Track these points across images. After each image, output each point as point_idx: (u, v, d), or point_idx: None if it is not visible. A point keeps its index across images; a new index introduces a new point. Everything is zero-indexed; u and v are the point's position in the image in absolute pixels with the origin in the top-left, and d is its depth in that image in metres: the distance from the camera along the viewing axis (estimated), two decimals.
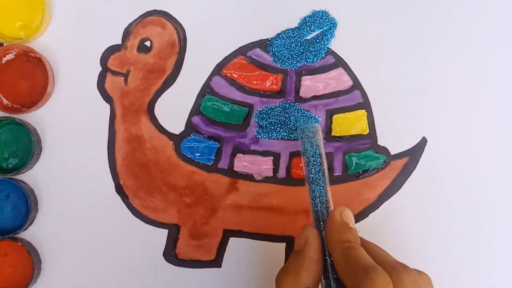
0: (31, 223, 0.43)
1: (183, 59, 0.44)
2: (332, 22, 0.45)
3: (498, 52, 0.45)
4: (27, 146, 0.42)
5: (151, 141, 0.44)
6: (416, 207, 0.44)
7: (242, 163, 0.44)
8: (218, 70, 0.44)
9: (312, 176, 0.39)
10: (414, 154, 0.44)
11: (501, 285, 0.44)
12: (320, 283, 0.34)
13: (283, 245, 0.44)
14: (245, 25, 0.45)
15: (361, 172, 0.44)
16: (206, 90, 0.44)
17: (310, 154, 0.39)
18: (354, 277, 0.32)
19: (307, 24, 0.44)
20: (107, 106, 0.44)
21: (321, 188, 0.38)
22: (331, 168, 0.44)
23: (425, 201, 0.44)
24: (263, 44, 0.44)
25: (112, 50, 0.44)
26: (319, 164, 0.39)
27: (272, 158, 0.44)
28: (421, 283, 0.32)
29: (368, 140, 0.44)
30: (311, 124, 0.42)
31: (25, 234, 0.43)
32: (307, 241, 0.35)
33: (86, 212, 0.43)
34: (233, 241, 0.44)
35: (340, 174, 0.44)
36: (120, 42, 0.44)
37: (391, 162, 0.44)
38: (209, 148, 0.44)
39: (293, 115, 0.44)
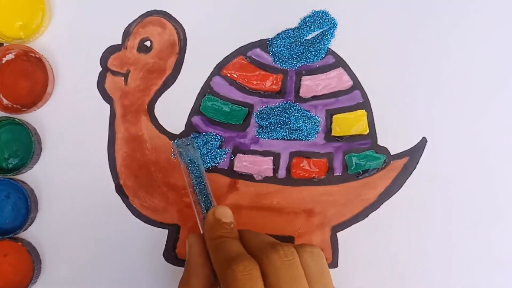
0: (31, 223, 0.43)
1: (183, 59, 0.44)
2: (332, 22, 0.45)
3: (498, 52, 0.45)
4: (27, 146, 0.42)
5: (151, 141, 0.44)
6: (416, 207, 0.44)
7: (242, 163, 0.44)
8: (218, 70, 0.44)
9: (194, 183, 0.40)
10: (414, 154, 0.44)
11: (501, 285, 0.44)
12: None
13: None
14: (245, 25, 0.45)
15: (361, 172, 0.44)
16: (206, 90, 0.44)
17: (188, 165, 0.40)
18: (220, 272, 0.33)
19: (307, 24, 0.45)
20: (107, 106, 0.44)
21: (204, 195, 0.39)
22: (331, 168, 0.44)
23: (425, 201, 0.44)
24: (263, 44, 0.44)
25: (112, 50, 0.44)
26: (198, 172, 0.40)
27: (272, 158, 0.44)
28: (294, 257, 0.32)
29: (368, 140, 0.44)
30: (183, 139, 0.43)
31: (25, 234, 0.43)
32: (190, 248, 0.36)
33: (86, 212, 0.43)
34: None
35: (340, 174, 0.44)
36: (120, 42, 0.44)
37: (391, 162, 0.44)
38: None
39: (293, 115, 0.44)
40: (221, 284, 0.32)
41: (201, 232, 0.38)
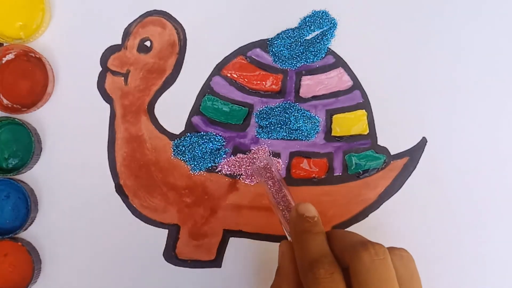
0: (31, 223, 0.43)
1: (183, 59, 0.44)
2: (332, 22, 0.45)
3: (498, 53, 0.45)
4: (27, 146, 0.42)
5: (151, 141, 0.44)
6: (416, 207, 0.44)
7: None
8: (218, 70, 0.44)
9: (277, 200, 0.39)
10: (414, 154, 0.44)
11: (501, 285, 0.44)
12: None
13: None
14: (245, 25, 0.45)
15: (361, 172, 0.44)
16: (206, 90, 0.44)
17: (271, 186, 0.40)
18: (302, 272, 0.32)
19: (307, 24, 0.45)
20: (107, 106, 0.44)
21: (285, 200, 0.39)
22: (331, 168, 0.44)
23: (425, 201, 0.44)
24: (263, 44, 0.44)
25: (112, 50, 0.44)
26: (281, 190, 0.39)
27: None
28: (385, 256, 0.31)
29: (368, 140, 0.44)
30: (261, 161, 0.42)
31: (25, 234, 0.43)
32: (282, 254, 0.35)
33: (86, 212, 0.43)
34: (233, 241, 0.44)
35: (340, 174, 0.44)
36: (120, 42, 0.44)
37: (391, 162, 0.44)
38: None
39: (293, 115, 0.44)
40: (303, 284, 0.32)
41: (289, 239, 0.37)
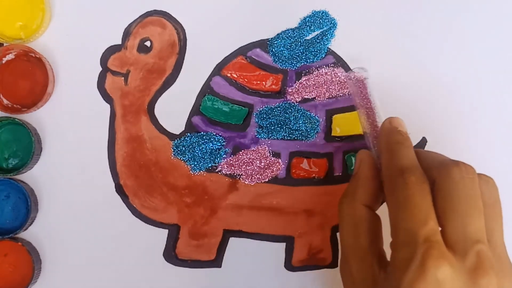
0: (31, 223, 0.43)
1: (183, 59, 0.44)
2: (332, 22, 0.45)
3: (498, 52, 0.45)
4: (27, 146, 0.42)
5: (151, 141, 0.44)
6: None
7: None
8: (218, 70, 0.44)
9: (363, 113, 0.39)
10: None
11: None
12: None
13: (283, 245, 0.44)
14: (245, 25, 0.45)
15: None
16: (206, 90, 0.44)
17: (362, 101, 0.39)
18: (389, 179, 0.32)
19: (307, 24, 0.45)
20: (107, 106, 0.44)
21: (373, 119, 0.38)
22: (331, 168, 0.44)
23: None
24: (263, 44, 0.44)
25: (112, 50, 0.44)
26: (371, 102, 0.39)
27: None
28: (474, 176, 0.31)
29: None
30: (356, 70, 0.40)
31: (25, 234, 0.43)
32: (360, 162, 0.36)
33: (86, 212, 0.43)
34: (233, 241, 0.44)
35: (340, 174, 0.44)
36: (120, 42, 0.44)
37: None
38: None
39: (293, 115, 0.44)
40: (387, 192, 0.32)
41: (372, 150, 0.37)
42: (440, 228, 0.30)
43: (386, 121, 0.36)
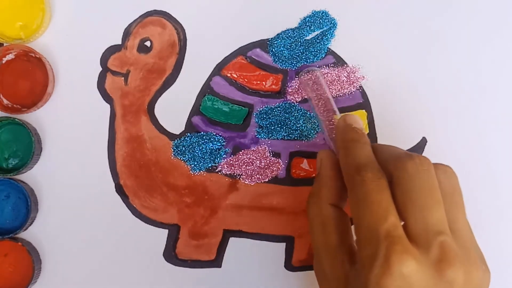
0: (31, 223, 0.43)
1: (183, 59, 0.44)
2: (332, 22, 0.45)
3: (498, 52, 0.45)
4: (27, 146, 0.42)
5: (151, 141, 0.44)
6: None
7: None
8: (218, 70, 0.44)
9: (319, 112, 0.39)
10: None
11: (501, 285, 0.44)
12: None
13: (283, 245, 0.44)
14: (245, 25, 0.45)
15: None
16: (206, 90, 0.44)
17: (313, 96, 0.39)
18: (348, 177, 0.33)
19: (307, 24, 0.45)
20: (107, 106, 0.44)
21: (329, 109, 0.39)
22: None
23: None
24: (263, 44, 0.44)
25: (112, 50, 0.44)
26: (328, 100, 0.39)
27: None
28: (429, 168, 0.31)
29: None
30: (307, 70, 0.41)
31: (25, 234, 0.43)
32: (321, 162, 0.36)
33: (86, 212, 0.43)
34: (233, 241, 0.44)
35: None
36: (120, 42, 0.44)
37: None
38: None
39: (293, 115, 0.44)
40: (348, 190, 0.32)
41: (331, 148, 0.38)
42: (402, 222, 0.31)
43: (340, 119, 0.37)
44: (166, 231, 0.44)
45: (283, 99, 0.44)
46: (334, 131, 0.38)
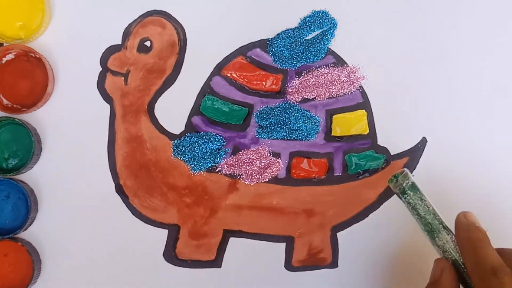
0: (31, 223, 0.43)
1: (183, 59, 0.44)
2: (332, 22, 0.45)
3: (498, 52, 0.45)
4: (27, 146, 0.42)
5: (151, 141, 0.44)
6: None
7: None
8: (218, 70, 0.44)
9: (427, 221, 0.37)
10: (414, 154, 0.44)
11: None
12: None
13: (283, 245, 0.44)
14: (245, 25, 0.45)
15: (361, 172, 0.44)
16: (206, 90, 0.44)
17: (417, 206, 0.38)
18: (481, 276, 0.32)
19: (307, 24, 0.45)
20: (107, 106, 0.44)
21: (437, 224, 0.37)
22: (331, 168, 0.44)
23: None
24: (263, 44, 0.44)
25: (112, 50, 0.44)
26: (427, 207, 0.38)
27: None
28: None
29: (368, 140, 0.44)
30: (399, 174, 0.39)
31: (25, 234, 0.43)
32: (442, 271, 0.35)
33: (86, 212, 0.43)
34: (233, 241, 0.44)
35: (340, 174, 0.44)
36: (120, 42, 0.44)
37: (391, 162, 0.44)
38: None
39: (293, 115, 0.44)
40: None
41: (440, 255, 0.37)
42: None
43: (461, 215, 0.36)
44: (166, 231, 0.44)
45: (283, 99, 0.44)
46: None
